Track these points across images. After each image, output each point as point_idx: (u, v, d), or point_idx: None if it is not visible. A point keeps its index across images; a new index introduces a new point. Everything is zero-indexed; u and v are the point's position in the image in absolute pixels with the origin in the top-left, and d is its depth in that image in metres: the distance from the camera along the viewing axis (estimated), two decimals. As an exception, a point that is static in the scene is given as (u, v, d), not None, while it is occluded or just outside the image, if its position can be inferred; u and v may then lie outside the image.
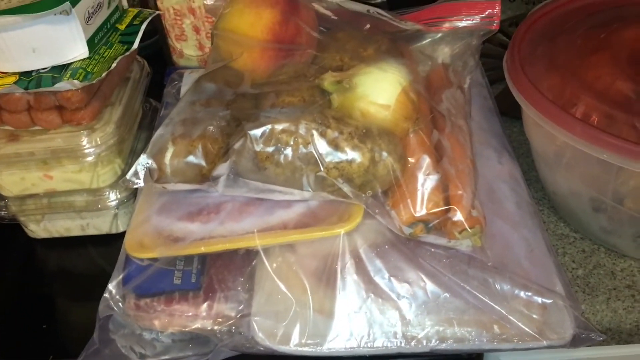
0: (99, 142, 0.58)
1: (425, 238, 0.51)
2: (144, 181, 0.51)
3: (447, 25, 0.70)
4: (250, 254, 0.54)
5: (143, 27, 0.63)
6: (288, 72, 0.57)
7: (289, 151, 0.49)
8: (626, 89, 0.53)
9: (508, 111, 0.73)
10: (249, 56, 0.59)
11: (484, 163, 0.63)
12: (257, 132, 0.49)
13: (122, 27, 0.63)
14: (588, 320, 0.54)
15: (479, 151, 0.65)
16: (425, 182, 0.50)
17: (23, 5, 0.53)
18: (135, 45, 0.61)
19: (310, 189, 0.50)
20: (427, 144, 0.52)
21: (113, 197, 0.63)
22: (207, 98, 0.53)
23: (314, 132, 0.48)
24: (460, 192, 0.50)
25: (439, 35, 0.68)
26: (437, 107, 0.56)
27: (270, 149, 0.49)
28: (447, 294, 0.50)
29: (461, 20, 0.70)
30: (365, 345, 0.48)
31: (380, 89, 0.52)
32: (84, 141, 0.58)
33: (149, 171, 0.51)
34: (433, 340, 0.49)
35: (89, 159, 0.59)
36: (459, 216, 0.50)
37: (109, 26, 0.61)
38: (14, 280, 0.66)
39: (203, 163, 0.50)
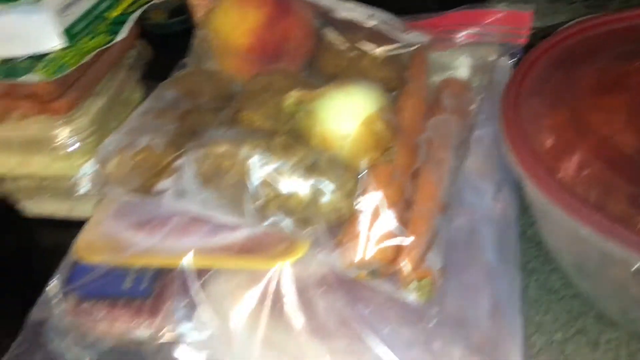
0: (73, 134, 0.58)
1: (370, 284, 0.47)
2: (89, 187, 0.50)
3: (465, 33, 0.64)
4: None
5: (133, 16, 0.61)
6: (261, 82, 0.53)
7: (228, 177, 0.46)
8: (632, 145, 0.45)
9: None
10: (228, 62, 0.56)
11: (476, 199, 0.57)
12: (197, 152, 0.46)
13: (112, 15, 0.61)
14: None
15: (476, 184, 0.59)
16: (374, 225, 0.46)
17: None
18: (120, 36, 0.59)
19: (249, 218, 0.47)
20: (386, 181, 0.47)
21: (92, 186, 0.63)
22: (162, 108, 0.50)
23: (255, 159, 0.45)
24: (411, 240, 0.45)
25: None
26: (414, 139, 0.51)
27: (210, 172, 0.46)
28: (382, 348, 0.45)
29: (483, 29, 0.63)
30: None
31: (341, 116, 0.47)
32: (58, 132, 0.58)
33: (94, 178, 0.49)
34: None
35: (64, 149, 0.58)
36: (406, 267, 0.45)
37: (95, 15, 0.60)
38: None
39: (145, 176, 0.48)
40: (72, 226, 0.68)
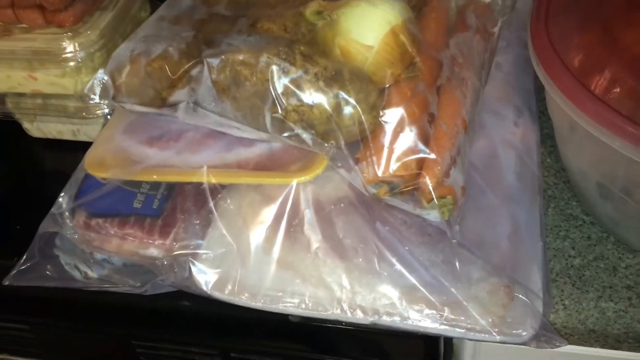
0: (79, 48, 0.56)
1: (390, 201, 0.46)
2: (100, 97, 0.48)
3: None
4: (217, 187, 0.50)
5: None
6: (280, -7, 0.51)
7: (247, 86, 0.44)
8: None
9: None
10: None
11: (496, 123, 0.56)
12: (214, 60, 0.44)
13: None
14: (570, 317, 0.48)
15: (496, 108, 0.57)
16: (396, 140, 0.44)
17: None
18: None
19: (268, 131, 0.45)
20: (408, 95, 0.45)
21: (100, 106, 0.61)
22: (177, 14, 0.48)
23: (275, 68, 0.43)
24: (433, 156, 0.44)
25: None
26: (438, 54, 0.49)
27: (227, 81, 0.44)
28: (400, 267, 0.45)
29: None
30: (300, 307, 0.45)
31: (365, 27, 0.45)
32: (64, 45, 0.55)
33: (106, 87, 0.47)
34: (377, 314, 0.45)
35: (71, 63, 0.56)
36: (427, 184, 0.44)
37: None
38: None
39: (159, 86, 0.46)
40: (78, 149, 0.66)
